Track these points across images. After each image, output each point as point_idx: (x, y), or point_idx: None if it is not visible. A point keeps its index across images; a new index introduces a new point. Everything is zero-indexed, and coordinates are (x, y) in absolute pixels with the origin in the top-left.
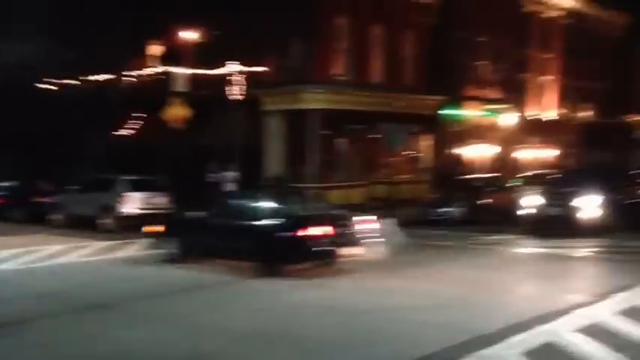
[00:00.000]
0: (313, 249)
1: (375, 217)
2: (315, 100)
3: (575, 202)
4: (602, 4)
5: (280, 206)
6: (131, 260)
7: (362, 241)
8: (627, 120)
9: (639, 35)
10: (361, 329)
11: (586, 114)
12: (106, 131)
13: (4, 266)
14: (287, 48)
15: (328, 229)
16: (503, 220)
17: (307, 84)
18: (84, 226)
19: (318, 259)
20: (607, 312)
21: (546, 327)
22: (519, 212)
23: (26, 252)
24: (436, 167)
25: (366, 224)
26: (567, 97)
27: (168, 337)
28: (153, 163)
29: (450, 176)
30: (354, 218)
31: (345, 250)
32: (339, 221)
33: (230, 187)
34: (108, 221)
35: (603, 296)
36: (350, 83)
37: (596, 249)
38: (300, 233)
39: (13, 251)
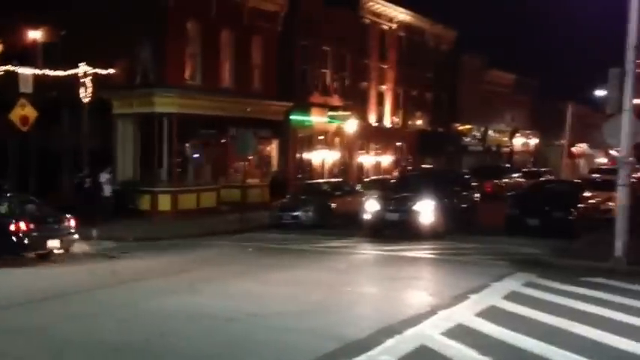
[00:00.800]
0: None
1: (69, 216)
2: (165, 103)
3: (410, 206)
4: (433, 19)
5: None
6: None
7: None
8: (456, 128)
9: (463, 49)
10: (227, 339)
11: (419, 122)
12: None
13: None
14: (136, 50)
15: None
16: (351, 224)
17: (157, 87)
18: None
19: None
20: (468, 313)
21: (415, 330)
22: (363, 216)
23: None
24: (273, 172)
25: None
26: (402, 106)
27: None
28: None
29: (284, 181)
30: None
31: (50, 243)
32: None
33: (107, 189)
34: None
35: (460, 298)
36: (200, 87)
37: (435, 251)
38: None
39: None
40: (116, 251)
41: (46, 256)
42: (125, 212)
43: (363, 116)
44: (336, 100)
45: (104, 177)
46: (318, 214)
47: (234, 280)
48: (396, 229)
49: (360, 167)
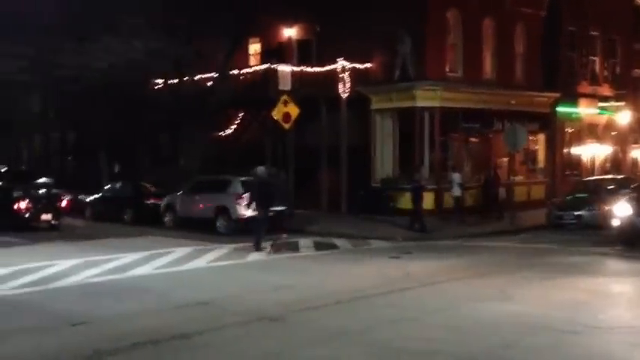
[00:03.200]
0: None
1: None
2: (427, 97)
3: None
4: None
5: None
6: (262, 265)
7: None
8: None
9: None
10: (580, 353)
11: None
12: (208, 131)
13: (138, 271)
14: (396, 43)
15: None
16: None
17: (418, 81)
18: (196, 228)
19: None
20: None
21: None
22: (612, 222)
23: (151, 256)
24: (554, 168)
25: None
26: None
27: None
28: (258, 164)
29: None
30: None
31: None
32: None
33: (456, 190)
34: (224, 223)
35: None
36: (462, 80)
37: None
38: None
39: (140, 255)
40: (395, 251)
41: None
42: (384, 211)
43: (636, 107)
44: (606, 90)
45: (456, 177)
46: (602, 215)
47: (544, 285)
48: None
49: (635, 162)
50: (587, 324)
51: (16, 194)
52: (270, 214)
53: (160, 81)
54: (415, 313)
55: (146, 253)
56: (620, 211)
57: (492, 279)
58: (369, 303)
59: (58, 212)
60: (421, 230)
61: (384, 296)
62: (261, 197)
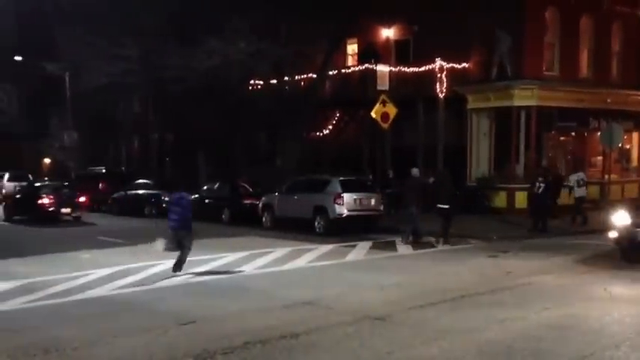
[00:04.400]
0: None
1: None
2: (524, 96)
3: None
4: None
5: None
6: (362, 264)
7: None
8: None
9: None
10: None
11: None
12: (306, 131)
13: (240, 271)
14: (493, 42)
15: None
16: None
17: (516, 80)
18: (294, 227)
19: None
20: None
21: None
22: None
23: (251, 256)
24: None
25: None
26: None
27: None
28: (354, 164)
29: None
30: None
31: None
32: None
33: (578, 191)
34: (322, 223)
35: None
36: (559, 78)
37: None
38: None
39: (241, 255)
40: (492, 250)
41: None
42: (480, 209)
43: None
44: None
45: (577, 177)
46: None
47: None
48: None
49: None
50: None
51: (41, 191)
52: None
53: (259, 82)
54: (521, 312)
55: (246, 253)
56: (618, 220)
57: (596, 276)
58: (474, 302)
59: (76, 206)
60: (543, 230)
61: (488, 295)
62: (419, 196)
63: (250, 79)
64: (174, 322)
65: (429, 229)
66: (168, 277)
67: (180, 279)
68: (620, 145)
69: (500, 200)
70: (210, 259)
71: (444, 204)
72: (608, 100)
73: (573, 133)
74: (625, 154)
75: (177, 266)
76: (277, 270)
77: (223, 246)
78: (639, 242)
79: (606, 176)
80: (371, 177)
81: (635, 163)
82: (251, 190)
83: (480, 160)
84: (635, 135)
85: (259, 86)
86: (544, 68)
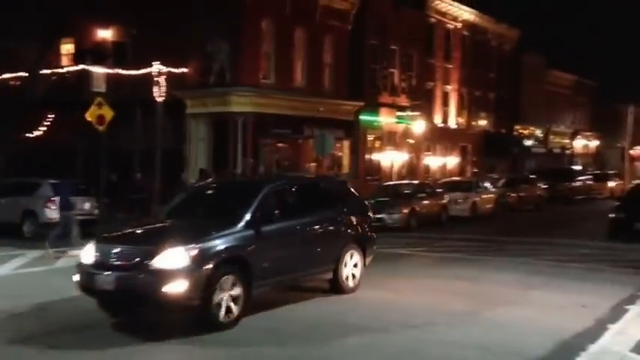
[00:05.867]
0: None
1: None
2: (241, 103)
3: None
4: (496, 19)
5: None
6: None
7: None
8: (518, 129)
9: (525, 49)
10: None
11: (483, 123)
12: (17, 132)
13: None
14: (211, 49)
15: None
16: (434, 227)
17: (233, 87)
18: (2, 232)
19: None
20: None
21: (599, 347)
22: None
23: None
24: (357, 173)
25: None
26: (467, 107)
27: None
28: (68, 167)
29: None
30: None
31: None
32: None
33: None
34: (32, 227)
35: (618, 309)
36: (274, 87)
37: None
38: None
39: None
40: None
41: None
42: None
43: (428, 117)
44: (403, 101)
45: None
46: (403, 217)
47: None
48: None
49: (427, 169)
50: None
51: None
52: None
53: None
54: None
55: None
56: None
57: None
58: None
59: None
60: None
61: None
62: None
63: None
64: None
65: None
66: None
67: None
68: (331, 152)
69: None
70: None
71: None
72: (321, 109)
73: (289, 140)
74: (337, 161)
75: None
76: None
77: None
78: None
79: None
80: (84, 181)
81: (346, 169)
82: None
83: (198, 165)
84: (345, 143)
85: None
86: (261, 76)
